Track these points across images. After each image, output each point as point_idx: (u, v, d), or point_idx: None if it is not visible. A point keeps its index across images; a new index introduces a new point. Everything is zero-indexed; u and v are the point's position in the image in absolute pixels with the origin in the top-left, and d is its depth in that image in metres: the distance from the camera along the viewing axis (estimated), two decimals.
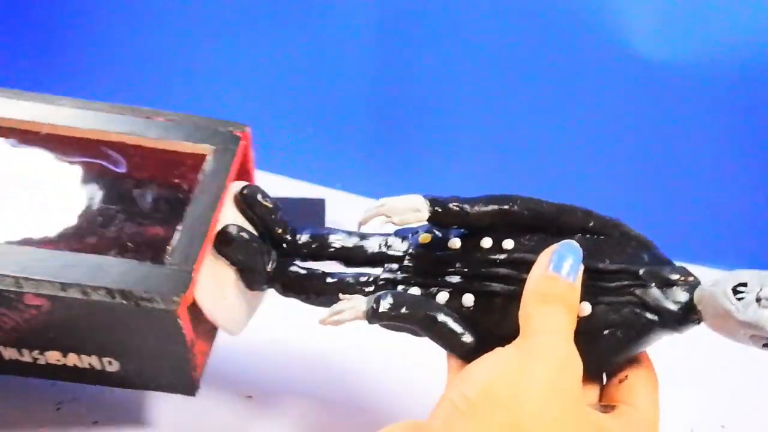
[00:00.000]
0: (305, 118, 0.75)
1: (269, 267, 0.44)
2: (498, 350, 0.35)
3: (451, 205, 0.40)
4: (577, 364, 0.35)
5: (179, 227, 0.45)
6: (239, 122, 0.50)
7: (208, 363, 0.51)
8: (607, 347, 0.37)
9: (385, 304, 0.39)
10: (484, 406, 0.33)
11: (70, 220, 0.46)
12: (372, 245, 0.44)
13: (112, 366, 0.46)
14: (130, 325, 0.43)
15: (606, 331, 0.36)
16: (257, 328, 0.47)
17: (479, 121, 0.70)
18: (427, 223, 0.41)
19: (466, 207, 0.40)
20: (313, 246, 0.45)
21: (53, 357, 0.46)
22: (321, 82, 0.73)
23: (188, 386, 0.46)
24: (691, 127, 0.70)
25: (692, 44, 0.64)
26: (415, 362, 0.52)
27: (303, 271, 0.44)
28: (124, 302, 0.42)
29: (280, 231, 0.45)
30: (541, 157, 0.68)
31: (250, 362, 0.54)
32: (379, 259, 0.43)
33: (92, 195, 0.48)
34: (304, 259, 0.45)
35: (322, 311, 0.41)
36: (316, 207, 0.67)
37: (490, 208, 0.40)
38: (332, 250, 0.44)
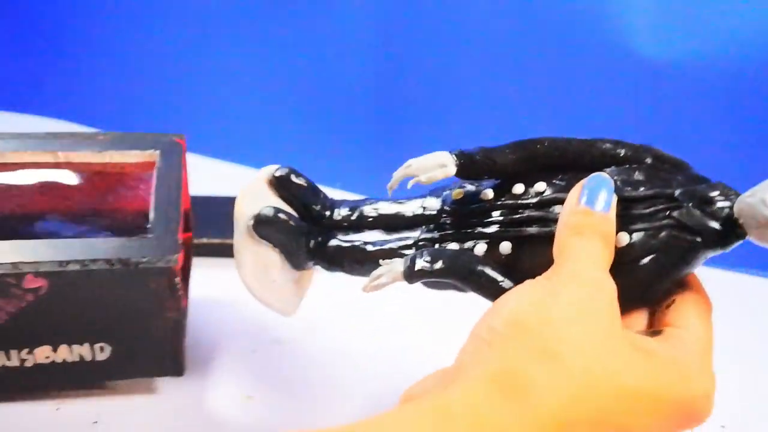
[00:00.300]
0: (305, 119, 0.74)
1: (311, 244, 0.44)
2: (527, 282, 0.35)
3: (477, 156, 0.40)
4: (609, 288, 0.34)
5: (151, 210, 0.49)
6: (175, 132, 0.56)
7: (210, 363, 0.53)
8: (651, 274, 0.36)
9: (421, 262, 0.39)
10: (510, 334, 0.32)
11: (50, 221, 0.49)
12: (409, 209, 0.43)
13: (104, 353, 0.47)
14: (127, 295, 0.46)
15: (647, 259, 0.35)
16: (258, 328, 0.48)
17: (479, 121, 0.70)
18: (456, 177, 0.41)
19: (493, 156, 0.40)
20: (352, 218, 0.44)
21: (42, 354, 0.47)
22: (321, 82, 0.73)
23: (177, 365, 0.49)
24: (691, 126, 0.69)
25: (692, 44, 0.63)
26: (421, 360, 0.53)
27: (345, 244, 0.43)
28: (123, 268, 0.45)
29: (318, 207, 0.45)
30: None
31: (250, 362, 0.55)
32: (418, 221, 0.43)
33: (61, 202, 0.50)
34: (345, 232, 0.44)
35: (362, 282, 0.41)
36: None
37: (518, 153, 0.40)
38: (371, 219, 0.44)
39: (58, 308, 0.45)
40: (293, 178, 0.45)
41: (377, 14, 0.69)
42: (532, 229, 0.38)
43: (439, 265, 0.39)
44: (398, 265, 0.40)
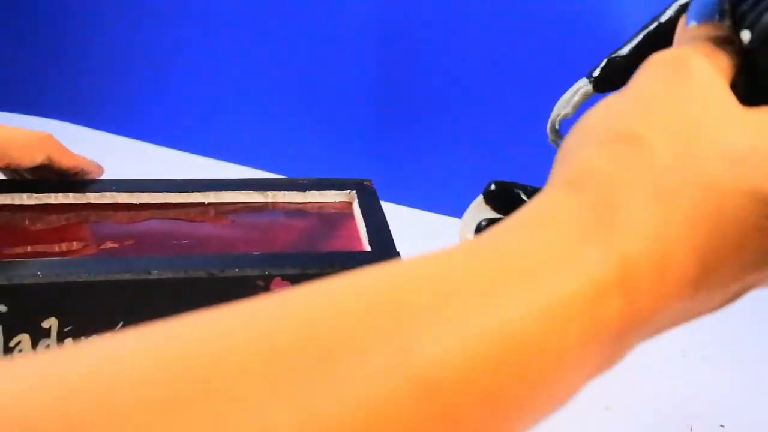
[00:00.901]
0: (305, 119, 0.75)
1: None
2: None
3: (608, 60, 0.39)
4: (701, 63, 0.29)
5: (364, 236, 0.53)
6: (361, 178, 0.61)
7: None
8: None
9: None
10: (574, 140, 0.28)
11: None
12: None
13: None
14: None
15: None
16: None
17: (479, 120, 0.70)
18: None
19: (621, 50, 0.39)
20: None
21: None
22: (321, 82, 0.73)
23: None
24: None
25: None
26: None
27: None
28: None
29: None
30: (542, 154, 0.65)
31: None
32: None
33: (272, 239, 0.55)
34: None
35: None
36: None
37: (643, 35, 0.38)
38: None
39: None
40: (501, 188, 0.46)
41: (379, 13, 0.69)
42: None
43: None
44: None
